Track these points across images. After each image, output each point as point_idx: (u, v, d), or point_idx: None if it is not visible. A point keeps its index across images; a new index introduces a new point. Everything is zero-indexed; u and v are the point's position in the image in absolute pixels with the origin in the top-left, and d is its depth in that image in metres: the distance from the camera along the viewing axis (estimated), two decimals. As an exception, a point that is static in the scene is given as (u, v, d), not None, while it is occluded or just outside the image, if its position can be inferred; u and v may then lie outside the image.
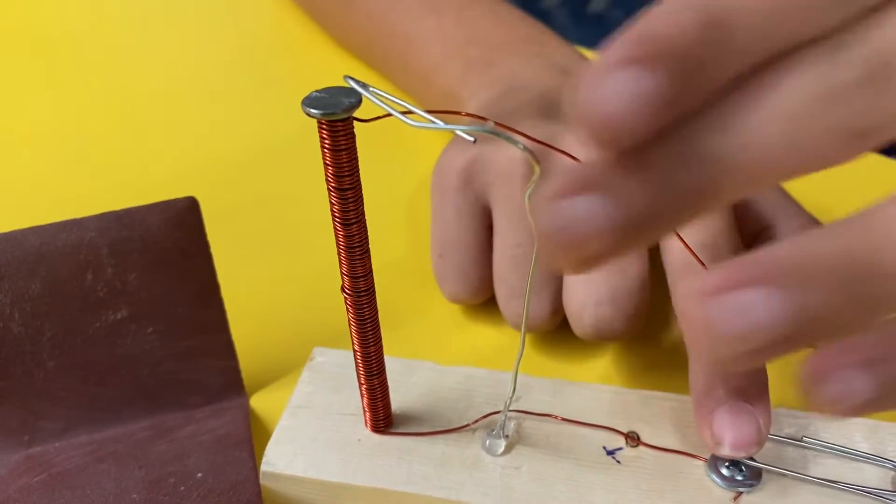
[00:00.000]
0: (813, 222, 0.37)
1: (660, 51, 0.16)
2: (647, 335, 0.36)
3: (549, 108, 0.38)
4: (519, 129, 0.24)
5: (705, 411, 0.28)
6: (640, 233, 0.18)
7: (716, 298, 0.17)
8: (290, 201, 0.46)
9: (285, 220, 0.45)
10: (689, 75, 0.17)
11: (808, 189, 0.38)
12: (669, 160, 0.17)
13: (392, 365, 0.31)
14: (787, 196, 0.37)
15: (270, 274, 0.42)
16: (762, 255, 0.17)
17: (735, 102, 0.18)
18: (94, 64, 0.61)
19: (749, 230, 0.36)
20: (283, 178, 0.48)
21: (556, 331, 0.36)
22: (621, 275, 0.33)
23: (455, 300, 0.37)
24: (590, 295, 0.33)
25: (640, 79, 0.16)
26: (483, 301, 0.38)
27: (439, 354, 0.33)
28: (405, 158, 0.48)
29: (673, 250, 0.33)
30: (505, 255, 0.35)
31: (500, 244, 0.36)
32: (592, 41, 0.56)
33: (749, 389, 0.28)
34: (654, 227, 0.18)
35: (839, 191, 0.42)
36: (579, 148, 0.34)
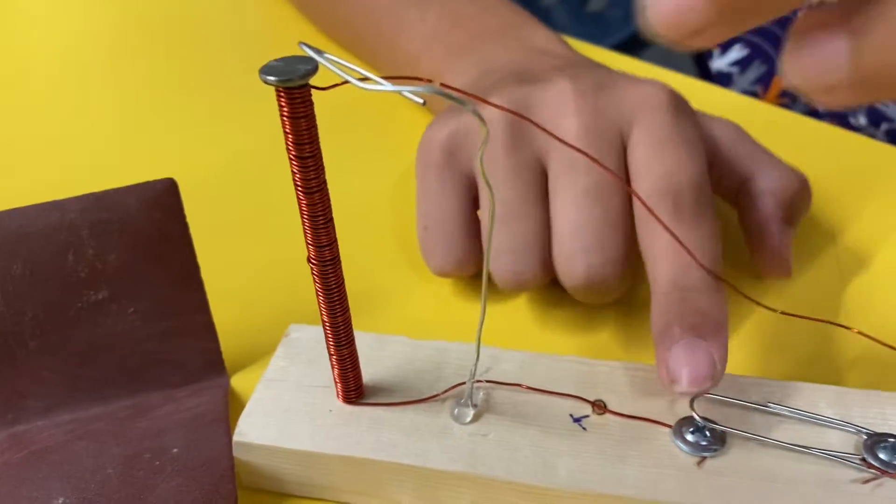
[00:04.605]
0: (792, 172, 0.37)
1: None
2: (628, 305, 0.37)
3: (524, 76, 0.38)
4: (490, 100, 0.24)
5: (662, 350, 0.29)
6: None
7: None
8: (271, 184, 0.46)
9: (265, 203, 0.46)
10: None
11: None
12: None
13: (365, 339, 0.31)
14: (765, 150, 0.38)
15: (251, 256, 0.42)
16: None
17: None
18: (82, 53, 0.62)
19: (730, 185, 0.38)
20: (263, 162, 0.48)
21: (539, 305, 0.36)
22: (606, 224, 0.33)
23: (441, 273, 0.38)
24: (578, 243, 0.33)
25: None
26: (469, 275, 0.38)
27: (422, 331, 0.34)
28: (393, 140, 0.49)
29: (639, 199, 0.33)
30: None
31: (485, 204, 0.36)
32: (591, 39, 0.57)
33: (704, 326, 0.29)
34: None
35: (819, 161, 0.42)
36: (555, 102, 0.35)
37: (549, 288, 0.38)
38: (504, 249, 0.35)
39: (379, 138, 0.49)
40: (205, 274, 0.34)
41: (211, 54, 0.61)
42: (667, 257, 0.31)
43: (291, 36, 0.60)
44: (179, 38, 0.64)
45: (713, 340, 0.29)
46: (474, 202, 0.37)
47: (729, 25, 0.19)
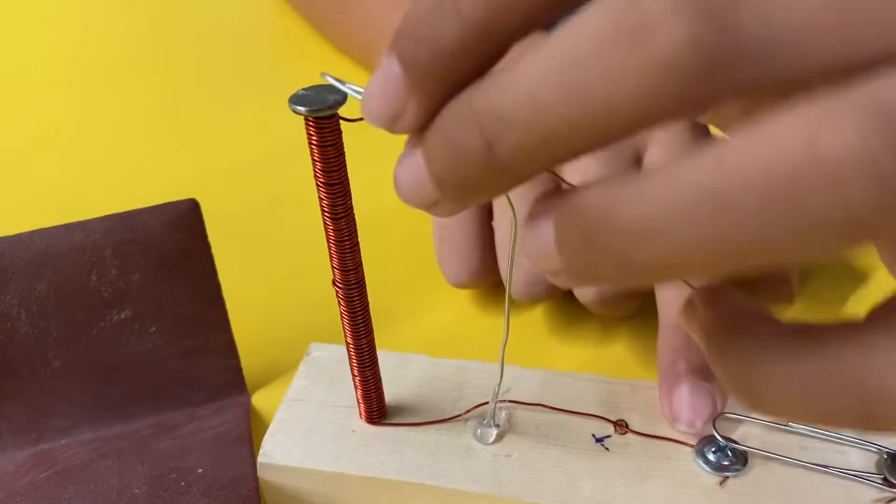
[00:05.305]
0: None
1: (398, 35, 0.17)
2: (644, 318, 0.37)
3: None
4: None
5: (667, 386, 0.29)
6: (458, 191, 0.18)
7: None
8: (290, 202, 0.47)
9: (286, 221, 0.46)
10: (426, 50, 0.17)
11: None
12: (455, 120, 0.17)
13: (386, 358, 0.31)
14: None
15: (271, 274, 0.43)
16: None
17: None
18: (98, 69, 0.62)
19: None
20: (283, 180, 0.49)
21: (555, 319, 0.36)
22: None
23: (458, 284, 0.38)
24: None
25: (386, 67, 0.18)
26: (486, 285, 0.38)
27: (441, 345, 0.34)
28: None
29: None
30: (507, 228, 0.36)
31: (499, 216, 0.36)
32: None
33: (709, 368, 0.29)
34: (470, 186, 0.18)
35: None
36: None
37: (564, 302, 0.38)
38: (518, 262, 0.35)
39: (393, 150, 0.49)
40: (223, 290, 0.35)
41: (233, 69, 0.62)
42: (674, 288, 0.32)
43: (308, 49, 0.60)
44: (200, 53, 0.64)
45: (716, 382, 0.29)
46: (489, 213, 0.38)
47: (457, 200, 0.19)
